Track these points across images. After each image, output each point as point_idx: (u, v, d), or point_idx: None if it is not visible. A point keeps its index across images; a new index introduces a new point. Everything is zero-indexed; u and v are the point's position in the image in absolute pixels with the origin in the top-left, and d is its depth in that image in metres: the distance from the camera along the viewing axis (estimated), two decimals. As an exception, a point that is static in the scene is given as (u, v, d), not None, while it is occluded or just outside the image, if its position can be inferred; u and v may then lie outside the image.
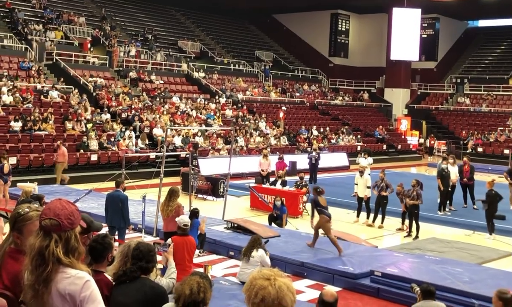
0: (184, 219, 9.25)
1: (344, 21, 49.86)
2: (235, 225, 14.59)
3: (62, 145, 21.95)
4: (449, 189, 18.89)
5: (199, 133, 28.60)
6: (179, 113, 30.20)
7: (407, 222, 15.92)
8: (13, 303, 3.02)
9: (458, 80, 47.27)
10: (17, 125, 23.49)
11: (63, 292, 2.82)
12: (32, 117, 24.28)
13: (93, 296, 2.85)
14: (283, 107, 36.62)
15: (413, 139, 41.04)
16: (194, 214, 11.72)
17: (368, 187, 17.07)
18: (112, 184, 13.54)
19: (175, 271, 6.03)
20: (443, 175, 18.58)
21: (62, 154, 21.56)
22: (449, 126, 43.12)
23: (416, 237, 15.38)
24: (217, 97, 34.55)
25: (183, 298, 3.86)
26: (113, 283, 4.42)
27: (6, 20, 33.33)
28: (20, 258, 3.10)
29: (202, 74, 37.23)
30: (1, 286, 3.13)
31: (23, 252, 3.07)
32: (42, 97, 26.82)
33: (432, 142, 40.04)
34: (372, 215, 16.98)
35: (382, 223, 16.75)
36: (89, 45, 33.80)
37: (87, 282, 2.86)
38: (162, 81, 34.29)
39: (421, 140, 41.82)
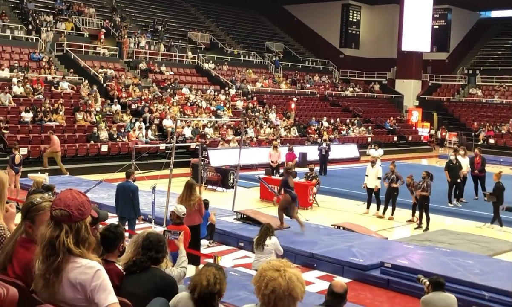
0: (182, 208, 9.32)
1: (355, 12, 49.59)
2: (245, 216, 14.58)
3: (52, 135, 21.90)
4: (460, 181, 18.77)
5: (209, 125, 28.58)
6: (189, 104, 30.19)
7: (417, 213, 15.85)
8: (24, 292, 3.02)
9: (470, 72, 46.88)
10: (28, 116, 23.59)
11: (74, 282, 2.83)
12: (43, 108, 24.38)
13: (103, 285, 2.85)
14: (294, 98, 36.47)
15: (424, 131, 40.80)
16: (204, 205, 11.70)
17: (379, 178, 16.99)
18: (122, 175, 13.56)
19: (186, 260, 6.01)
20: (451, 167, 18.55)
21: (55, 143, 21.48)
22: (460, 117, 42.83)
23: (427, 228, 15.31)
24: (227, 88, 34.49)
25: (200, 289, 3.88)
26: (124, 273, 4.43)
27: (17, 11, 33.41)
28: (31, 247, 3.11)
29: (212, 66, 37.17)
30: (13, 275, 3.15)
31: (35, 241, 3.09)
32: (52, 88, 26.90)
33: (443, 134, 39.85)
34: (382, 207, 16.92)
35: (392, 214, 16.68)
36: (102, 37, 33.83)
37: (97, 272, 2.86)
38: (172, 73, 34.27)
39: (432, 132, 41.58)
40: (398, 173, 16.55)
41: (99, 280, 2.85)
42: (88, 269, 2.85)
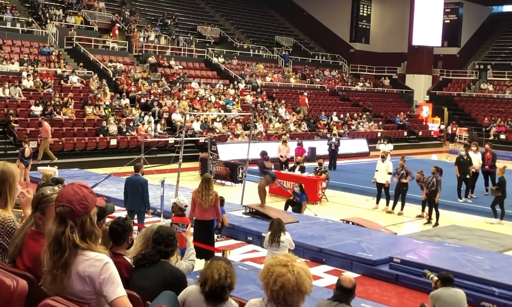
0: (184, 200, 9.35)
1: (365, 6, 49.35)
2: (254, 210, 14.54)
3: (44, 121, 21.89)
4: (471, 176, 18.65)
5: (218, 119, 28.55)
6: (198, 98, 30.17)
7: (427, 209, 15.77)
8: (34, 284, 3.02)
9: (481, 67, 46.55)
10: (37, 110, 23.65)
11: (83, 274, 2.84)
12: (53, 102, 24.44)
13: (112, 278, 2.86)
14: (305, 93, 36.42)
15: (435, 126, 40.59)
16: (220, 202, 11.65)
17: (390, 173, 16.91)
18: (131, 169, 13.55)
19: (194, 253, 5.99)
20: (461, 162, 18.51)
21: (45, 130, 21.43)
22: (471, 113, 42.57)
23: (436, 224, 15.24)
24: (236, 82, 34.43)
25: (211, 282, 3.89)
26: (133, 266, 4.44)
27: (27, 4, 33.48)
28: (41, 239, 3.12)
29: (221, 60, 37.11)
30: (22, 268, 3.16)
31: (44, 234, 3.08)
32: (62, 82, 26.94)
33: (454, 129, 39.62)
34: (391, 202, 16.84)
35: (401, 209, 16.61)
36: (117, 32, 33.85)
37: (106, 264, 2.87)
38: (181, 67, 34.25)
39: (443, 127, 41.35)
40: (407, 168, 16.47)
41: (107, 273, 2.85)
42: (96, 262, 2.86)
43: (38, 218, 3.23)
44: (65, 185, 3.02)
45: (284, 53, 43.06)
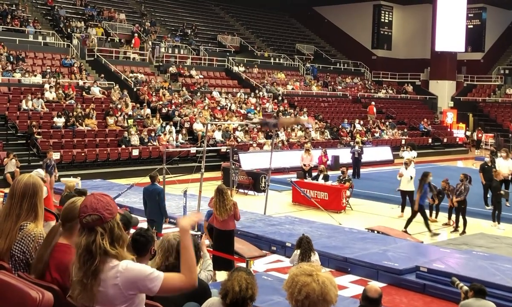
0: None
1: (387, 12, 49.10)
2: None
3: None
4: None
5: (240, 128, 28.49)
6: (219, 108, 30.16)
7: (453, 217, 15.46)
8: (60, 296, 3.05)
9: (507, 72, 45.95)
10: (60, 121, 23.82)
11: (113, 281, 2.90)
12: (75, 113, 24.59)
13: (137, 275, 2.94)
14: (372, 102, 37.27)
15: (460, 132, 40.11)
16: None
17: (412, 177, 16.61)
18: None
19: (211, 263, 5.92)
20: (485, 169, 18.27)
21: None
22: (497, 118, 41.99)
23: (463, 232, 14.92)
24: (257, 91, 34.38)
25: (232, 294, 3.83)
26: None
27: (48, 17, 33.87)
28: (69, 250, 3.20)
29: (242, 69, 37.11)
30: (50, 279, 3.17)
31: (71, 245, 3.21)
32: (84, 93, 27.14)
33: (480, 135, 39.09)
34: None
35: (436, 217, 16.38)
36: (139, 43, 34.08)
37: (128, 266, 2.94)
38: (202, 76, 34.32)
39: (468, 133, 40.83)
40: (452, 187, 15.81)
41: (134, 272, 2.93)
42: (121, 267, 2.92)
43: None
44: (86, 197, 3.04)
45: (308, 64, 42.62)
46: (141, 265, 3.02)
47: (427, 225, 14.81)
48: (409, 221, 14.91)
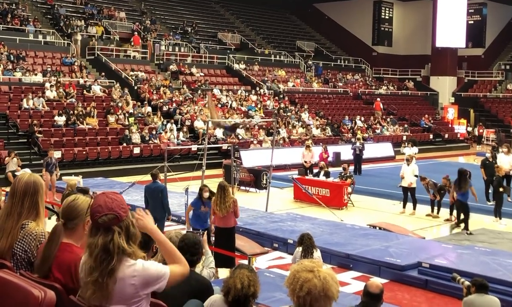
0: None
1: (387, 8, 49.01)
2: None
3: None
4: (502, 179, 18.22)
5: (241, 125, 28.47)
6: (220, 105, 30.15)
7: (455, 212, 15.44)
8: (62, 295, 3.05)
9: (507, 67, 45.88)
10: (61, 120, 23.83)
11: (128, 280, 2.91)
12: (76, 111, 24.60)
13: (152, 272, 2.98)
14: (378, 98, 37.67)
15: (461, 128, 40.08)
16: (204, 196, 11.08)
17: (416, 176, 16.62)
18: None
19: (213, 260, 5.93)
20: (486, 164, 18.28)
21: None
22: (498, 114, 41.95)
23: (465, 228, 14.87)
24: (258, 88, 34.35)
25: (234, 292, 3.85)
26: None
27: (49, 16, 33.85)
28: (70, 249, 3.24)
29: (242, 66, 37.08)
30: (51, 278, 3.16)
31: (71, 243, 3.25)
32: (84, 92, 27.14)
33: (481, 131, 39.07)
34: (427, 206, 16.52)
35: (438, 213, 16.36)
36: (139, 41, 34.04)
37: (146, 265, 2.98)
38: (202, 74, 34.29)
39: (469, 129, 40.79)
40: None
41: (149, 272, 2.96)
42: (135, 266, 2.94)
43: (88, 222, 3.27)
44: (98, 196, 3.03)
45: (310, 62, 42.44)
46: (156, 265, 3.04)
47: (466, 222, 14.48)
48: (465, 221, 14.50)
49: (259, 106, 31.63)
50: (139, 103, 27.99)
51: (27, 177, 3.72)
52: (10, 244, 3.53)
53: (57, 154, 21.26)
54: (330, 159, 23.78)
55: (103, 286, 2.86)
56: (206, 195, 10.78)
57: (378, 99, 38.55)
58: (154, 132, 25.56)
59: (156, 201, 11.74)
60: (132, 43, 33.73)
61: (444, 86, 44.69)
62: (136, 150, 23.95)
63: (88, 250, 2.93)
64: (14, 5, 32.29)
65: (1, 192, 4.43)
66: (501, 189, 15.86)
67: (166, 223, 12.21)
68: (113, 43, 32.78)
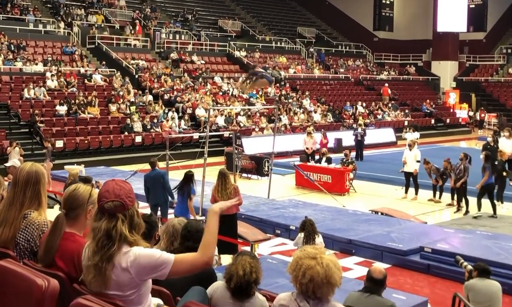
0: None
1: (388, -7, 48.74)
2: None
3: None
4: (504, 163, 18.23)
5: (242, 113, 28.45)
6: (221, 93, 30.10)
7: (456, 197, 15.47)
8: (66, 283, 3.07)
9: (509, 51, 45.66)
10: (62, 109, 23.84)
11: (123, 267, 2.91)
12: (77, 101, 24.59)
13: (149, 260, 2.96)
14: (386, 84, 37.89)
15: (462, 113, 39.99)
16: (189, 178, 11.19)
17: (418, 161, 16.63)
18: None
19: (216, 247, 5.94)
20: (488, 149, 18.19)
21: None
22: (499, 98, 41.83)
23: (467, 212, 14.92)
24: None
25: (236, 279, 3.86)
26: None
27: (48, 5, 33.74)
28: (72, 238, 3.26)
29: (243, 53, 36.97)
30: (54, 267, 3.19)
31: (74, 233, 3.28)
32: (85, 81, 27.11)
33: (482, 115, 38.98)
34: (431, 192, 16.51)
35: (440, 198, 16.35)
36: (137, 28, 33.94)
37: (140, 252, 2.97)
38: (203, 62, 34.21)
39: (471, 114, 40.70)
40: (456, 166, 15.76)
41: (144, 259, 2.94)
42: (133, 255, 2.93)
43: (89, 211, 3.33)
44: (107, 182, 3.04)
45: (311, 49, 42.18)
46: (152, 251, 3.03)
47: (479, 206, 14.56)
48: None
49: (260, 93, 31.56)
50: (140, 92, 27.96)
51: (29, 167, 3.74)
52: (13, 234, 3.54)
53: (59, 143, 21.44)
54: (329, 145, 23.71)
55: (101, 270, 2.89)
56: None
57: (386, 84, 38.63)
58: (155, 121, 25.55)
59: (158, 187, 11.79)
60: (133, 32, 33.59)
61: (446, 71, 44.55)
62: (138, 139, 23.96)
63: (92, 234, 2.96)
64: (13, -6, 32.19)
65: (3, 182, 4.42)
66: (504, 173, 15.85)
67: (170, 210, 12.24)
68: (115, 31, 32.66)
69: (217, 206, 3.27)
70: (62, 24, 31.48)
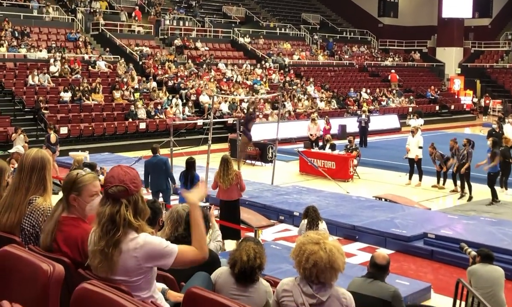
0: None
1: (393, -21, 48.48)
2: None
3: None
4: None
5: (246, 100, 28.42)
6: (225, 80, 30.05)
7: (459, 183, 15.46)
8: (70, 268, 3.09)
9: (515, 37, 45.46)
10: (66, 96, 23.86)
11: (131, 253, 2.93)
12: (81, 87, 24.60)
13: (155, 248, 2.99)
14: (392, 70, 37.94)
15: (467, 99, 39.84)
16: (191, 164, 11.22)
17: (420, 147, 16.62)
18: (160, 151, 13.51)
19: (220, 234, 5.98)
20: (492, 135, 18.30)
21: None
22: (504, 84, 41.68)
23: (470, 198, 14.92)
24: (263, 62, 34.19)
25: (240, 264, 3.89)
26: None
27: (53, -9, 33.66)
28: (76, 223, 3.27)
29: (247, 40, 36.85)
30: (59, 253, 3.21)
31: (78, 218, 3.27)
32: (90, 67, 27.09)
33: (487, 101, 38.85)
34: (434, 177, 16.50)
35: (443, 184, 16.34)
36: (141, 16, 33.86)
37: (148, 239, 2.99)
38: (207, 48, 34.12)
39: (475, 100, 40.56)
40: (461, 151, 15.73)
41: (151, 246, 2.96)
42: (141, 239, 2.95)
43: (72, 199, 3.28)
44: (113, 168, 3.06)
45: (328, 41, 41.76)
46: (160, 239, 3.04)
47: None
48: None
49: (264, 80, 31.51)
50: (144, 79, 27.95)
51: (34, 152, 3.75)
52: (19, 219, 3.57)
53: (63, 130, 21.46)
54: (332, 131, 23.67)
55: (108, 256, 2.90)
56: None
57: (393, 71, 38.61)
58: (159, 107, 25.54)
59: (160, 173, 11.84)
60: (136, 18, 33.50)
61: (451, 57, 44.36)
62: (142, 125, 23.98)
63: (97, 219, 2.98)
64: (17, -19, 32.12)
65: (9, 167, 4.43)
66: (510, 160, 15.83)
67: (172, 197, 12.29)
68: (120, 18, 32.59)
69: (194, 196, 3.23)
70: (66, 11, 31.42)
